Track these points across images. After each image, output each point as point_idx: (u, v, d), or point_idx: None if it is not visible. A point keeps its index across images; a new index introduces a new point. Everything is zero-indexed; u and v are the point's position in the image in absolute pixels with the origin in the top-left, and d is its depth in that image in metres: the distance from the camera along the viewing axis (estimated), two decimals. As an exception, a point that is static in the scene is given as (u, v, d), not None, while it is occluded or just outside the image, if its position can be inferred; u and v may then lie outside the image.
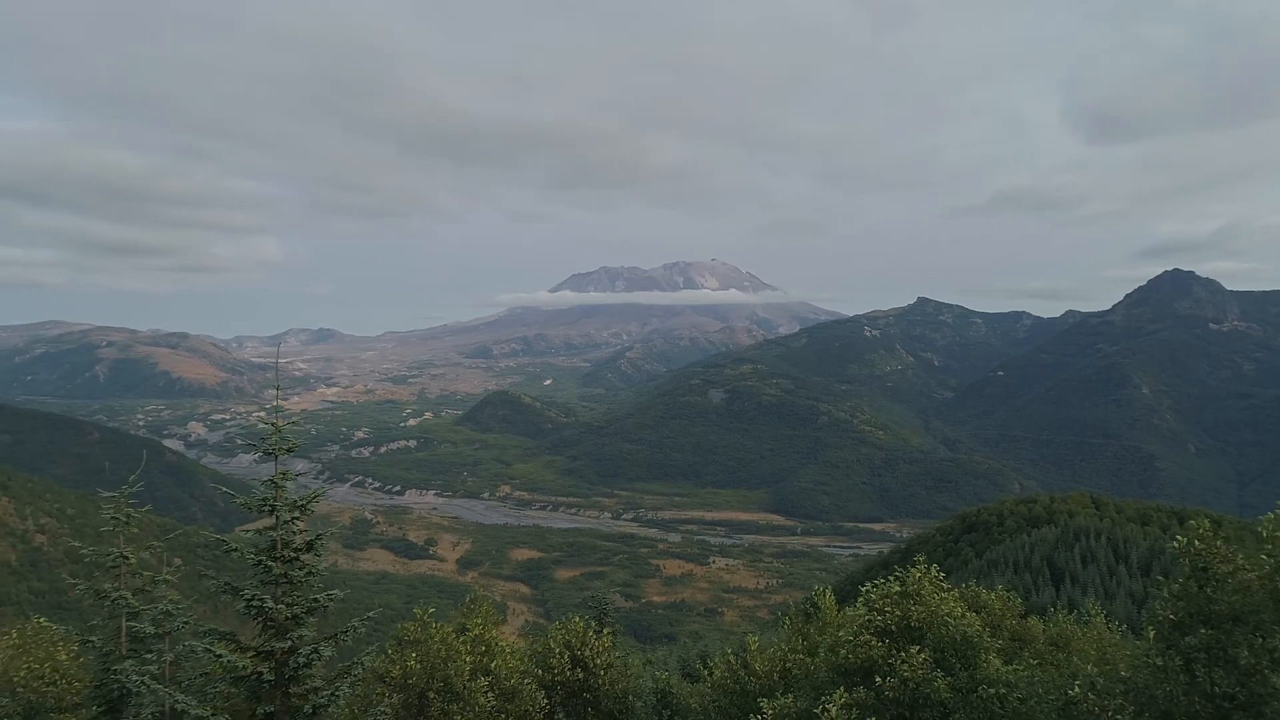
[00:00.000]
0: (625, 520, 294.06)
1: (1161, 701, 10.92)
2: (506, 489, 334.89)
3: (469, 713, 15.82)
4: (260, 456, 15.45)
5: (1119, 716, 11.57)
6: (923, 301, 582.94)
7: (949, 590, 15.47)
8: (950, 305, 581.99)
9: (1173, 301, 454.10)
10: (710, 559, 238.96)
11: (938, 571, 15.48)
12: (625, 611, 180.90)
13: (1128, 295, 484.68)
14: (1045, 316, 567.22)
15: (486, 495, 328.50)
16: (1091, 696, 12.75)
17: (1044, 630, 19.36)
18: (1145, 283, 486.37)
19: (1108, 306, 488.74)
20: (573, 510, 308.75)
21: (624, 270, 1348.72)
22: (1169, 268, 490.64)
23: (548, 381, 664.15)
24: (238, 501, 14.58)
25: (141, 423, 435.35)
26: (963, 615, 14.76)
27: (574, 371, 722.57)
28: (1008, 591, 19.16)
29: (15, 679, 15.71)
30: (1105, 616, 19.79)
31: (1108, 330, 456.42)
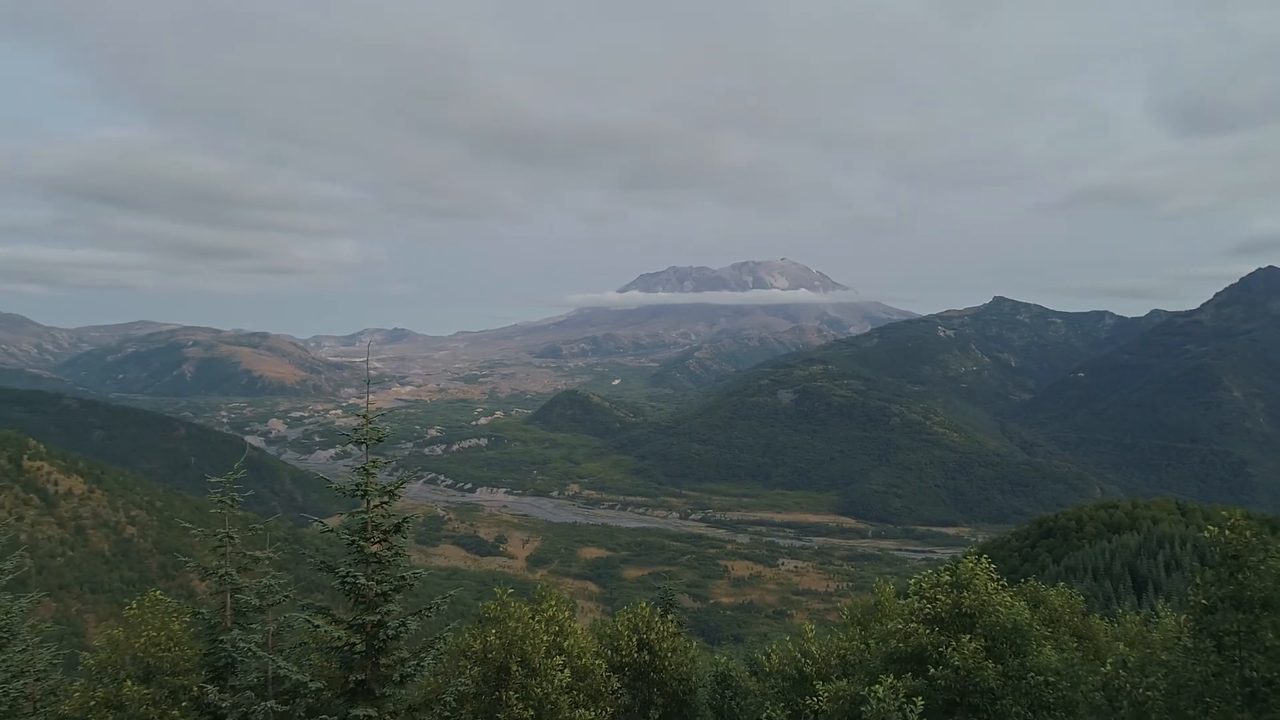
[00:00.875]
0: (693, 520, 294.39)
1: (1195, 682, 11.26)
2: (575, 488, 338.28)
3: (546, 686, 16.94)
4: (337, 453, 16.71)
5: (1151, 693, 11.93)
6: (999, 301, 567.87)
7: (999, 581, 15.88)
8: (1028, 304, 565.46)
9: (1267, 300, 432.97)
10: (779, 561, 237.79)
11: (988, 562, 15.91)
12: (693, 612, 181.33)
13: (1218, 294, 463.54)
14: (1129, 316, 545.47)
15: (555, 494, 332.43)
16: (1123, 674, 13.12)
17: (1108, 629, 19.52)
18: (1237, 281, 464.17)
19: (1196, 305, 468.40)
20: (641, 510, 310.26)
21: (693, 270, 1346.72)
22: (1263, 265, 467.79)
23: (616, 381, 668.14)
24: (333, 487, 15.92)
25: (225, 419, 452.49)
26: (1012, 604, 15.18)
27: (642, 371, 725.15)
28: (1069, 589, 19.36)
29: (136, 645, 17.47)
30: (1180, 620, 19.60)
31: (1196, 330, 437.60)
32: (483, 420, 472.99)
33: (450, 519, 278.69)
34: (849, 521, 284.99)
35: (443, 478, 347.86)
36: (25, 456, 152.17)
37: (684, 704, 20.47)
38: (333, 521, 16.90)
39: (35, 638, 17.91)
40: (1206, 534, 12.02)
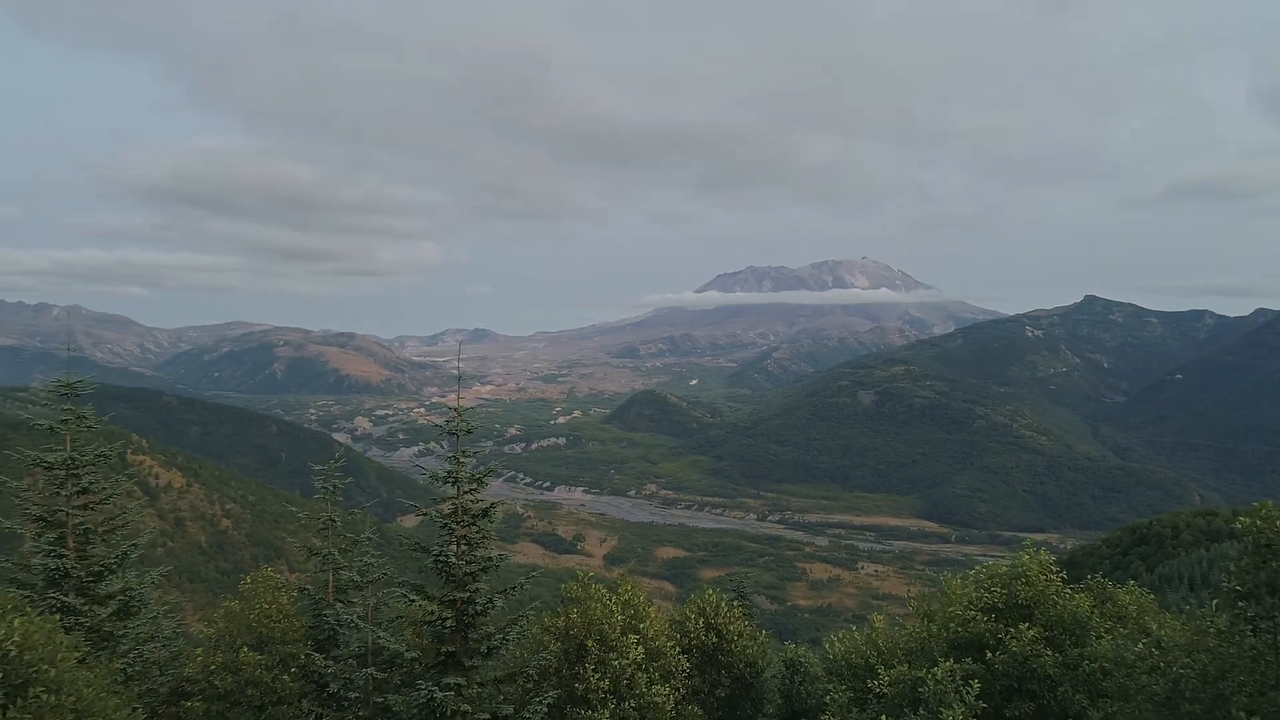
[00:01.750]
0: (771, 522, 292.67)
1: (1230, 662, 11.56)
2: (652, 487, 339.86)
3: (622, 661, 18.00)
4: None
5: (1186, 671, 12.22)
6: (1091, 300, 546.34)
7: (1058, 574, 16.22)
8: (1121, 304, 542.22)
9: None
10: (858, 564, 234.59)
11: (1047, 555, 16.29)
12: (770, 614, 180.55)
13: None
14: (1231, 315, 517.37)
15: (633, 493, 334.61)
16: (1156, 652, 13.41)
17: (1181, 628, 19.50)
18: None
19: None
20: (718, 510, 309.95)
21: (771, 270, 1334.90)
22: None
23: (694, 381, 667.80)
24: (427, 474, 17.30)
25: (313, 417, 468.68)
26: (1071, 597, 15.55)
27: (720, 372, 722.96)
28: (1140, 588, 19.39)
29: (250, 617, 19.22)
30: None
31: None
32: (561, 419, 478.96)
33: (529, 516, 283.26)
34: (931, 526, 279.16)
35: (522, 476, 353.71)
36: (129, 451, 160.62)
37: (751, 687, 21.31)
38: (410, 523, 18.39)
39: (163, 607, 19.89)
40: (1240, 523, 12.29)
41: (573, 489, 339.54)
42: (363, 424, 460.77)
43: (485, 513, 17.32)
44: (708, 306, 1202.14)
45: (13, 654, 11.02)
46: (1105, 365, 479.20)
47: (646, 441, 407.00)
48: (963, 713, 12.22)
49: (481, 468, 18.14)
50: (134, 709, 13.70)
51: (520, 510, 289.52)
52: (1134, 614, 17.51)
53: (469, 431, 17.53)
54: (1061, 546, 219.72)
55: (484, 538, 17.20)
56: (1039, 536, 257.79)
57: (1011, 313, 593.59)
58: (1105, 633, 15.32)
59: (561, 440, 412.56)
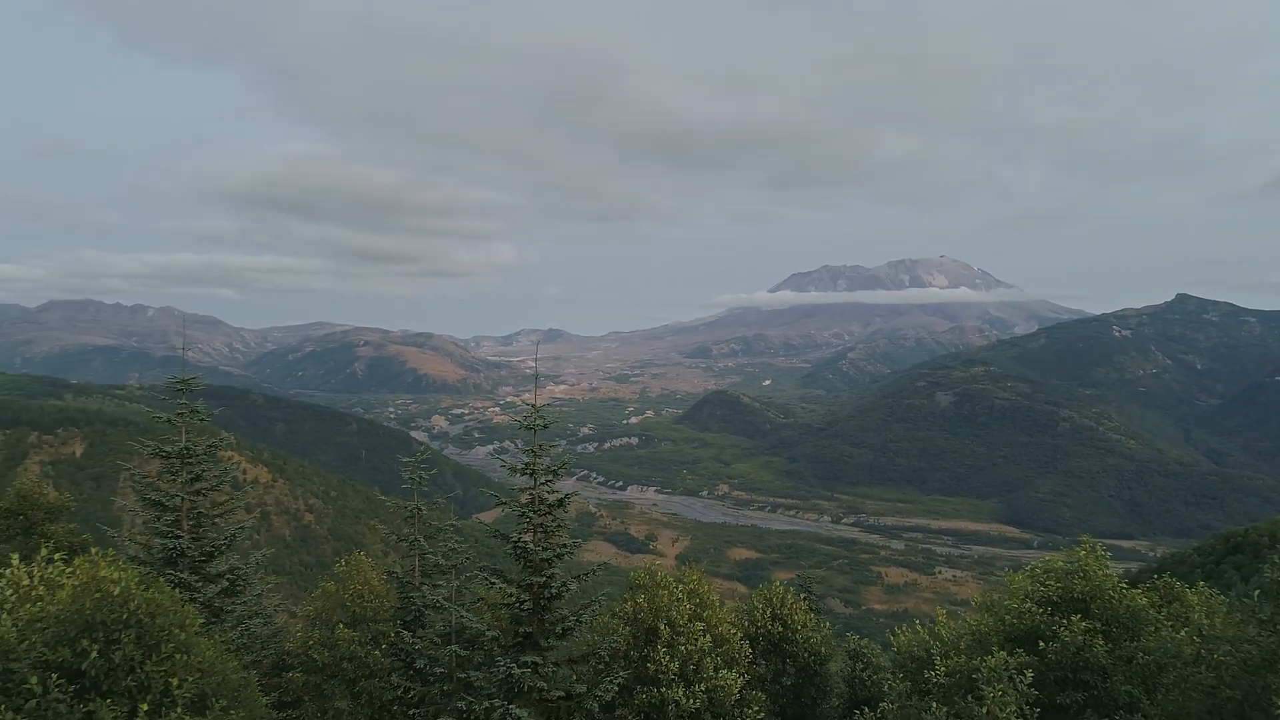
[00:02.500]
0: (845, 525, 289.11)
1: (1272, 651, 11.76)
2: (725, 488, 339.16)
3: (690, 645, 18.88)
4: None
5: (1228, 659, 12.41)
6: (1183, 298, 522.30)
7: (1113, 571, 16.45)
8: (1216, 302, 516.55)
9: None
10: (936, 569, 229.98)
11: (1103, 550, 16.54)
12: (844, 617, 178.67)
13: None
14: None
15: (705, 493, 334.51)
16: (1198, 640, 13.59)
17: (1227, 619, 19.44)
18: None
19: None
20: (791, 512, 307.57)
21: (846, 269, 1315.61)
22: None
23: (767, 382, 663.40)
24: (506, 467, 18.45)
25: (392, 415, 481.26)
26: (1125, 591, 15.78)
27: (793, 372, 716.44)
28: (1211, 590, 19.31)
29: (345, 597, 20.75)
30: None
31: None
32: (633, 419, 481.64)
33: (602, 515, 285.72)
34: (1012, 531, 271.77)
35: (594, 475, 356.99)
36: (220, 447, 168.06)
37: (815, 675, 21.91)
38: (490, 517, 19.66)
39: (266, 585, 21.60)
40: None
41: (645, 489, 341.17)
42: (440, 422, 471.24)
43: (560, 503, 18.41)
44: (781, 306, 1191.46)
45: (145, 619, 12.49)
46: (1198, 367, 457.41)
47: (719, 442, 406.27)
48: (1015, 697, 12.70)
49: (555, 462, 19.18)
50: (248, 672, 15.14)
51: (593, 509, 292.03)
52: (1201, 615, 17.52)
53: (545, 427, 18.61)
54: (1151, 554, 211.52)
55: (558, 526, 18.29)
56: (1127, 544, 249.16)
57: (1098, 312, 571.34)
58: (1160, 628, 15.50)
59: (634, 440, 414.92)
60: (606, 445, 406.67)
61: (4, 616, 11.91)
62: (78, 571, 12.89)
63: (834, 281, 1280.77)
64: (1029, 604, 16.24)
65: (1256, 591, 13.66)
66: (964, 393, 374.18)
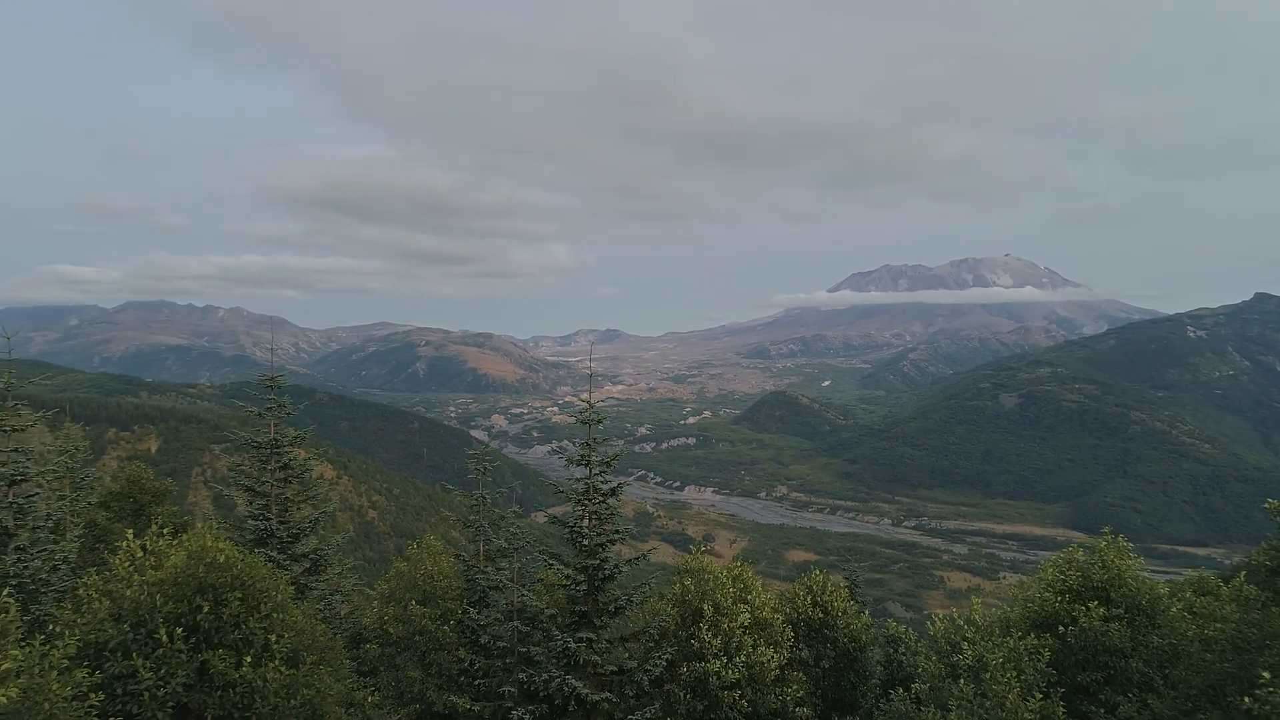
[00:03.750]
0: (906, 528, 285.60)
1: (1260, 628, 12.51)
2: (783, 489, 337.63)
3: (733, 625, 20.16)
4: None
5: (1214, 633, 13.16)
6: (1262, 298, 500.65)
7: (1134, 560, 17.20)
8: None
9: None
10: (1000, 574, 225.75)
11: (1125, 541, 17.32)
12: (905, 622, 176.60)
13: None
14: None
15: (763, 495, 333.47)
16: (1189, 616, 14.33)
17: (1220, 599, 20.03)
18: None
19: None
20: (850, 514, 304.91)
21: (907, 268, 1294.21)
22: None
23: (825, 383, 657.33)
24: (564, 458, 19.95)
25: (453, 414, 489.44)
26: (1144, 580, 16.58)
27: (853, 373, 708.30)
28: (1247, 585, 19.76)
29: (417, 576, 22.49)
30: None
31: None
32: (691, 419, 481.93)
33: (659, 515, 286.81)
34: (1079, 536, 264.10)
35: (652, 475, 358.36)
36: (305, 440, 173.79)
37: (855, 659, 22.92)
38: (542, 518, 21.33)
39: (345, 566, 23.54)
40: (1269, 504, 13.19)
41: (702, 489, 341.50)
42: (499, 421, 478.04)
43: (613, 491, 19.82)
44: (840, 306, 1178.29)
45: (248, 582, 14.28)
46: (1279, 368, 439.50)
47: (777, 443, 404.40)
48: (1015, 675, 13.71)
49: (609, 454, 20.58)
50: (334, 638, 16.91)
51: (650, 509, 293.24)
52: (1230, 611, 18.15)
53: (599, 422, 20.02)
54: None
55: (611, 513, 19.69)
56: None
57: (1170, 312, 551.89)
58: (1169, 609, 16.29)
59: (691, 440, 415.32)
60: (664, 445, 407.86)
61: (134, 579, 13.82)
62: (188, 542, 14.77)
63: (895, 281, 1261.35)
64: (1050, 592, 17.15)
65: (1242, 573, 14.40)
66: (1029, 394, 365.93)
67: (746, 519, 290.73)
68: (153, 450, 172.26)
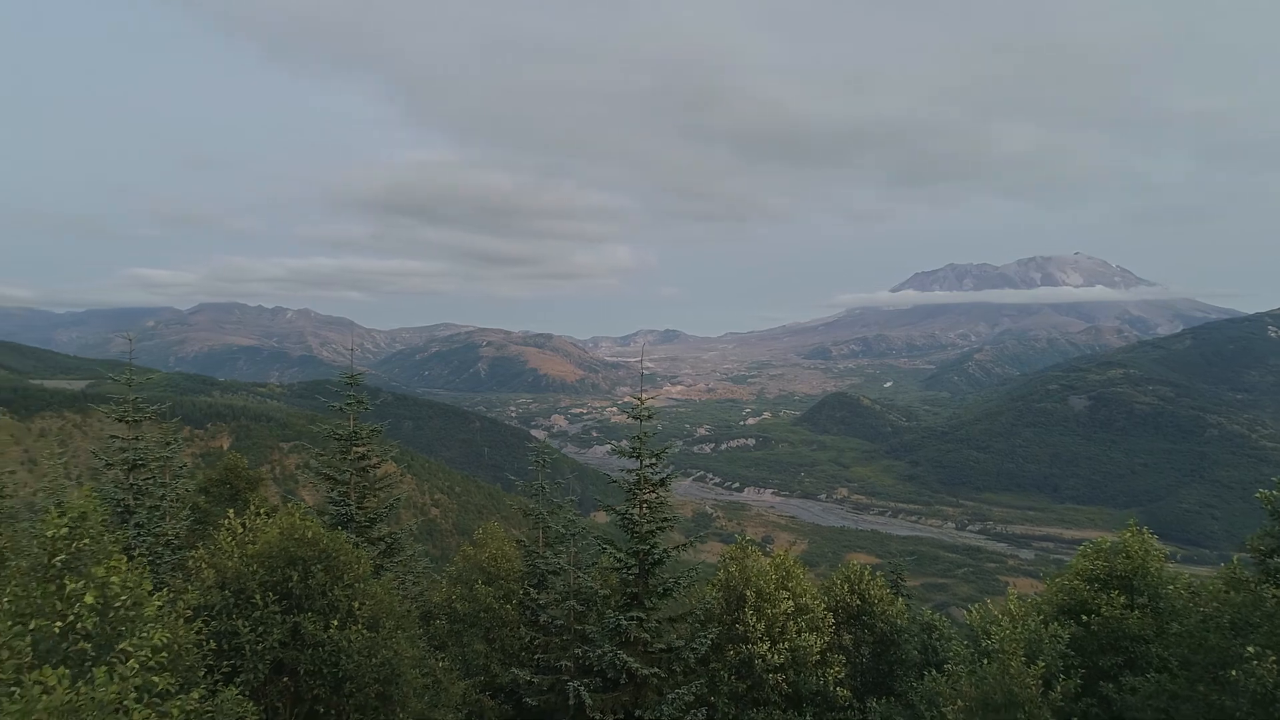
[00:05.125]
0: (970, 532, 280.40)
1: (1256, 609, 13.25)
2: (844, 491, 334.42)
3: (774, 610, 21.38)
4: (613, 448, 22.09)
5: (1209, 611, 13.91)
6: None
7: (1159, 553, 17.97)
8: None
9: None
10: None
11: (1150, 534, 18.13)
12: (970, 628, 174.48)
13: None
14: None
15: (823, 496, 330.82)
16: (1185, 593, 15.05)
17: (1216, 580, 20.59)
18: None
19: None
20: (913, 517, 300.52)
21: (973, 267, 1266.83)
22: None
23: (888, 384, 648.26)
24: (614, 449, 21.44)
25: (514, 414, 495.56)
26: (1166, 569, 17.33)
27: (916, 374, 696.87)
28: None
29: (482, 559, 24.24)
30: None
31: None
32: (750, 420, 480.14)
33: (718, 516, 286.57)
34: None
35: (711, 475, 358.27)
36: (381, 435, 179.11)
37: (892, 644, 23.88)
38: (601, 518, 22.85)
39: (417, 549, 25.45)
40: (1259, 495, 13.83)
41: (762, 490, 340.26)
42: (559, 421, 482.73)
43: (663, 482, 21.21)
44: (903, 306, 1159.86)
45: (332, 555, 16.12)
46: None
47: (838, 444, 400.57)
48: (1018, 645, 14.79)
49: (658, 447, 21.93)
50: (409, 609, 18.71)
51: (709, 510, 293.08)
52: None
53: (649, 417, 21.41)
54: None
55: (661, 502, 21.09)
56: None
57: (1250, 311, 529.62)
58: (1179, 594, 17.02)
59: (750, 441, 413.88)
60: (723, 446, 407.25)
61: (235, 552, 15.78)
62: (280, 521, 16.69)
63: (960, 280, 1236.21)
64: (1076, 580, 18.03)
65: (1236, 556, 15.10)
66: (1100, 396, 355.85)
67: (806, 521, 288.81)
68: (224, 447, 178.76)
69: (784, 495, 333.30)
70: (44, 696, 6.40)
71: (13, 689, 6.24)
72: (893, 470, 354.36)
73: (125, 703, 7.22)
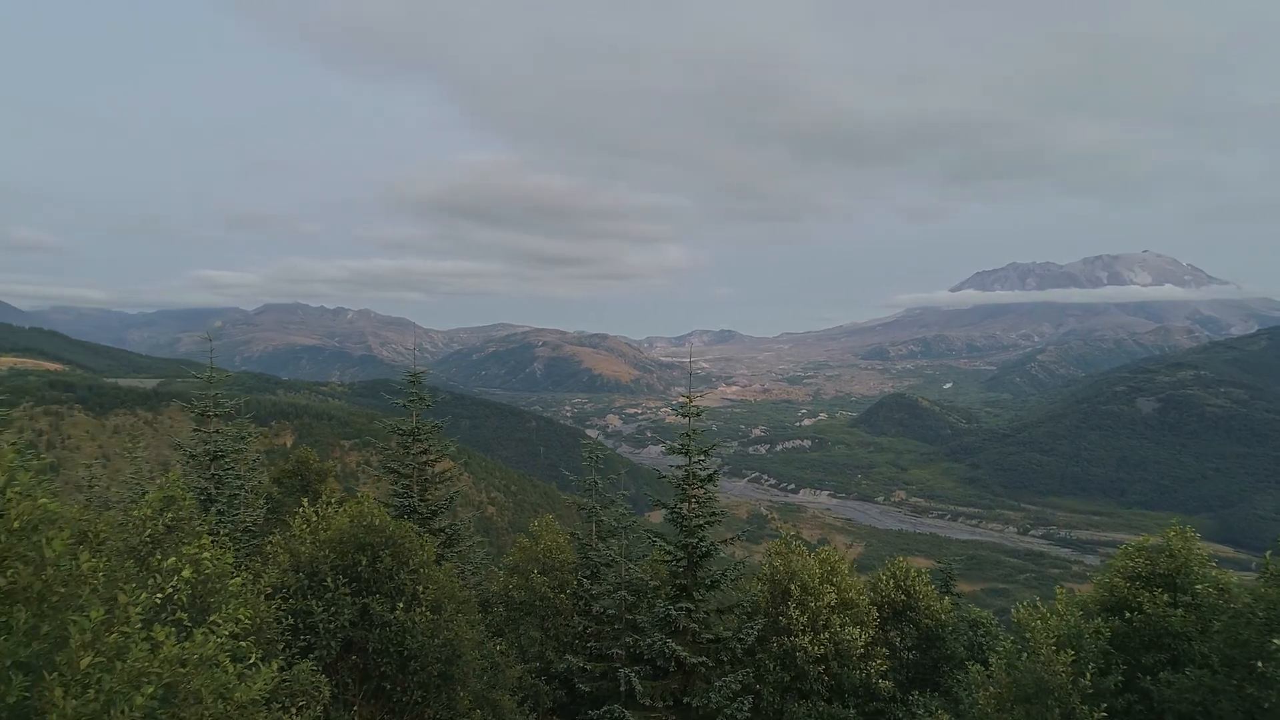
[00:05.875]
0: (1033, 537, 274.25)
1: (1276, 602, 13.44)
2: (901, 494, 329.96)
3: (818, 603, 21.91)
4: (667, 449, 22.76)
5: (1238, 606, 14.06)
6: None
7: (1199, 548, 18.00)
8: None
9: None
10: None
11: (1194, 533, 18.18)
12: (1015, 625, 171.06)
13: None
14: None
15: (880, 499, 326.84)
16: (1212, 591, 15.14)
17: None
18: None
19: None
20: (973, 521, 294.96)
21: (1035, 266, 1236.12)
22: None
23: (947, 385, 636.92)
24: (665, 446, 22.19)
25: (569, 414, 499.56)
26: (1210, 567, 17.37)
27: (977, 375, 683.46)
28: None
29: (537, 551, 25.20)
30: None
31: None
32: (806, 421, 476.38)
33: (773, 518, 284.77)
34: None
35: (766, 477, 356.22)
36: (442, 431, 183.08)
37: (937, 639, 24.15)
38: (658, 517, 23.60)
39: (475, 540, 26.55)
40: None
41: (818, 492, 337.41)
42: (613, 421, 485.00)
43: (710, 477, 21.86)
44: (964, 306, 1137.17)
45: (398, 541, 17.19)
46: None
47: (895, 446, 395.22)
48: (1048, 630, 15.17)
49: (706, 444, 22.57)
50: (470, 594, 19.73)
51: (764, 511, 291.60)
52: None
53: (698, 415, 22.08)
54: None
55: (710, 497, 21.74)
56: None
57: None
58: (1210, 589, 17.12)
59: (806, 443, 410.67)
60: (778, 447, 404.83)
61: (308, 538, 16.93)
62: (349, 509, 17.81)
63: (1022, 280, 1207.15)
64: (1120, 578, 18.23)
65: (1268, 552, 15.19)
66: (1170, 398, 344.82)
67: (863, 523, 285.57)
68: (288, 445, 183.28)
69: (840, 497, 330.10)
70: (159, 650, 7.42)
71: (133, 642, 7.21)
72: (952, 473, 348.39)
73: (220, 659, 8.19)
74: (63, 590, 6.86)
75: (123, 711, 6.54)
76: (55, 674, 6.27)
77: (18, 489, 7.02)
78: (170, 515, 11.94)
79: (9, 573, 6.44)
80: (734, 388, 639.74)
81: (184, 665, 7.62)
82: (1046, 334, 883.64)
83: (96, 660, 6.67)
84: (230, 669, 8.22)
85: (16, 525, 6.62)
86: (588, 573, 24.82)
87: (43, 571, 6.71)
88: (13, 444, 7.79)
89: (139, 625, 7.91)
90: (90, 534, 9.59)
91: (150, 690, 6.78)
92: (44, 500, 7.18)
